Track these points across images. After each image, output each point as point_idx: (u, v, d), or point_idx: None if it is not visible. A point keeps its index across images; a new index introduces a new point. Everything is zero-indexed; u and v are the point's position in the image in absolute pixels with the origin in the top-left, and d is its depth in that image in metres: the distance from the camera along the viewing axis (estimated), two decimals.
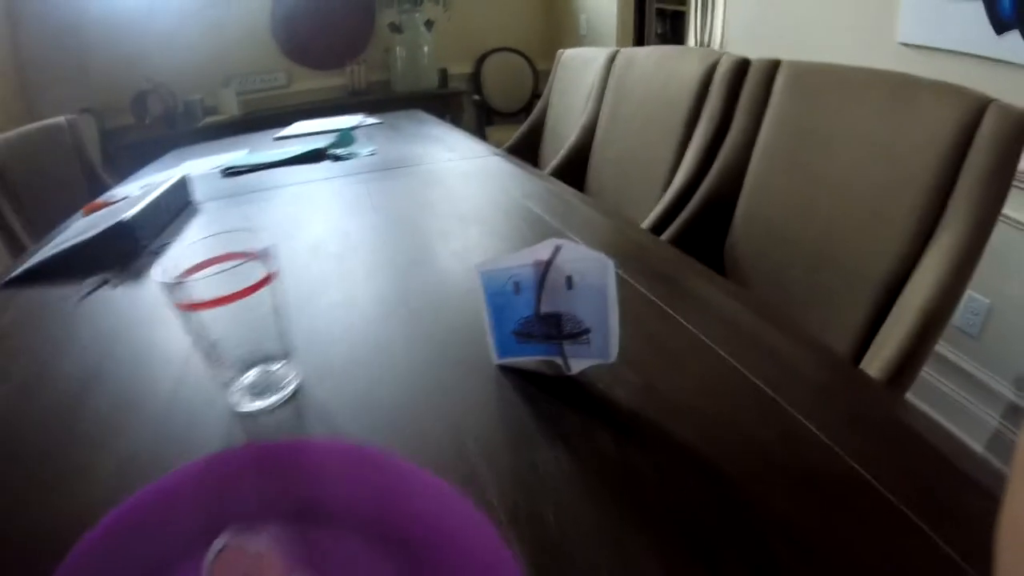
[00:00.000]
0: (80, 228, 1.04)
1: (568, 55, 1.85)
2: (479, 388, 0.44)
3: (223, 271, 0.40)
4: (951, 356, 1.38)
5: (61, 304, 0.74)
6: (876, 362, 0.70)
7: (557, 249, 0.38)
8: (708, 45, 2.31)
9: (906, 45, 1.38)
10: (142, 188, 1.27)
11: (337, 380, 0.47)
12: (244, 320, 0.40)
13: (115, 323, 0.67)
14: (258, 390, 0.44)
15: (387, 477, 0.35)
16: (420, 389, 0.45)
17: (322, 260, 0.74)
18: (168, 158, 1.80)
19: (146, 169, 1.66)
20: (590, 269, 0.38)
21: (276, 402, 0.44)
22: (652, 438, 0.38)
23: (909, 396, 1.42)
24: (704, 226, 1.06)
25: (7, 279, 0.86)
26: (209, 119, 2.93)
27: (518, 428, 0.39)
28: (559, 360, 0.40)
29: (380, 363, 0.49)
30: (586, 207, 0.87)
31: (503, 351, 0.43)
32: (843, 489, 0.33)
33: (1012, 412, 1.26)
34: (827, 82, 0.92)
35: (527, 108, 3.54)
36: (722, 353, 0.45)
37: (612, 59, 1.53)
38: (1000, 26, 1.15)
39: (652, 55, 1.41)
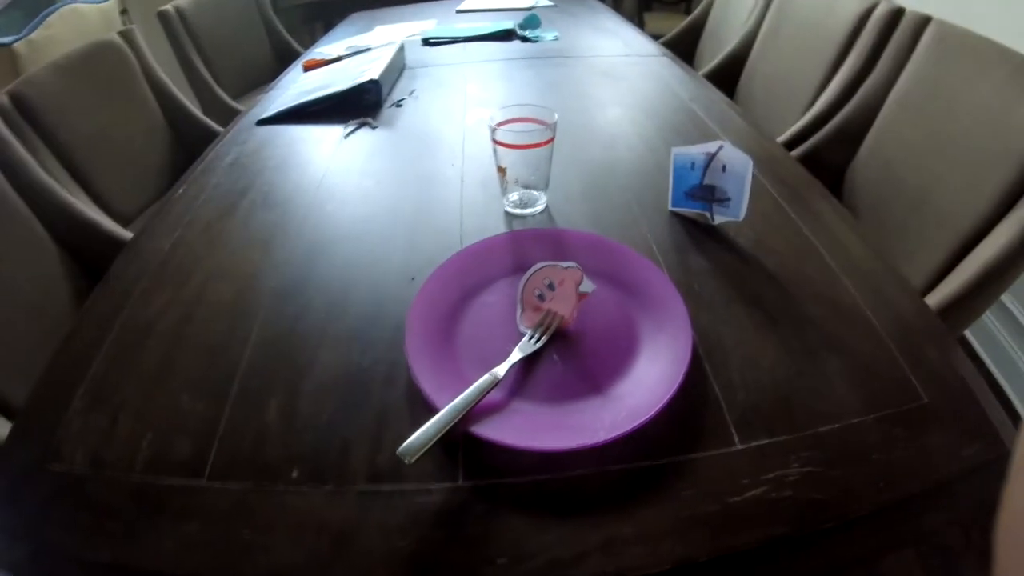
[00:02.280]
0: (316, 82, 1.22)
1: None
2: (659, 220, 0.73)
3: (524, 131, 0.68)
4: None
5: (329, 137, 1.00)
6: (936, 297, 0.84)
7: (720, 147, 0.65)
8: None
9: None
10: (348, 48, 1.47)
11: (572, 204, 0.77)
12: (529, 160, 0.70)
13: (387, 154, 0.94)
14: (523, 203, 0.75)
15: (614, 249, 0.64)
16: (623, 214, 0.75)
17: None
18: (354, 19, 1.98)
19: (338, 30, 1.85)
20: (738, 162, 0.64)
21: (535, 212, 0.75)
22: (753, 261, 0.65)
23: (977, 346, 1.52)
24: (832, 152, 1.20)
25: (262, 117, 1.09)
26: None
27: (681, 243, 0.68)
28: (708, 213, 0.68)
29: (595, 196, 0.79)
30: (738, 117, 1.06)
31: (676, 202, 0.72)
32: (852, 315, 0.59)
33: None
34: (966, 47, 0.99)
35: None
36: (808, 235, 0.70)
37: None
38: None
39: None
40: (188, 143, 1.45)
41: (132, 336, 0.60)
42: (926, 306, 0.62)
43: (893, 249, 1.06)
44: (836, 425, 0.48)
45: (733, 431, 0.48)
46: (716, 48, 1.84)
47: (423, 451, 0.43)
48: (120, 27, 1.93)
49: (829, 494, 0.43)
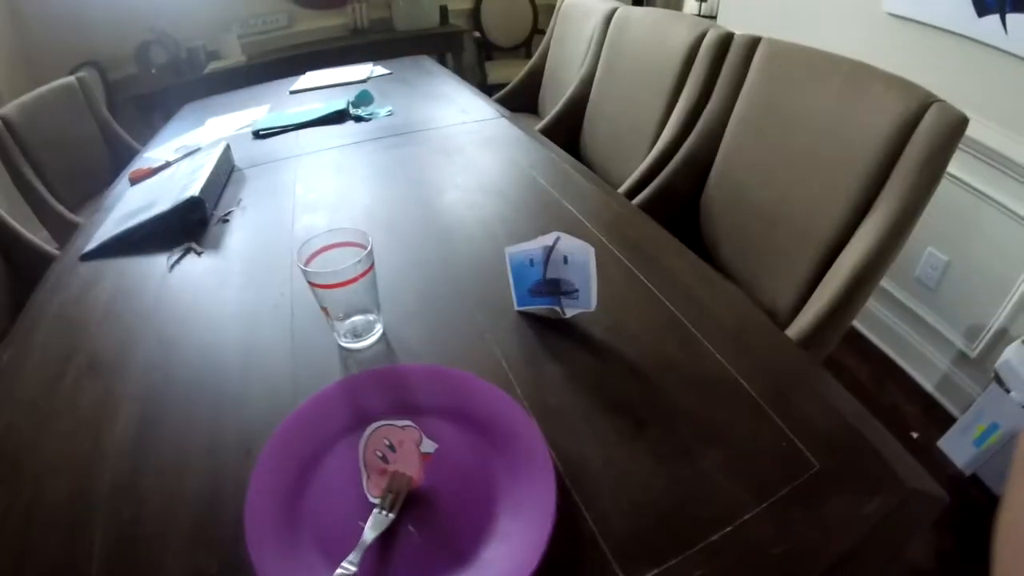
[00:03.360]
0: (140, 199, 1.11)
1: (569, 3, 1.91)
2: (506, 326, 0.65)
3: (335, 271, 0.58)
4: (910, 304, 1.51)
5: (154, 270, 0.89)
6: (811, 310, 0.83)
7: (557, 239, 0.58)
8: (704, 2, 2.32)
9: (892, 15, 1.41)
10: (177, 151, 1.36)
11: (409, 324, 0.68)
12: (352, 294, 0.61)
13: (214, 286, 0.84)
14: (356, 333, 0.65)
15: (458, 383, 0.56)
16: (467, 327, 0.66)
17: (377, 228, 0.90)
18: (186, 112, 1.83)
19: (170, 127, 1.72)
20: (579, 252, 0.57)
21: (371, 344, 0.65)
22: (611, 354, 0.60)
23: (867, 332, 1.61)
24: (683, 183, 1.20)
25: (85, 252, 0.97)
26: (214, 64, 2.96)
27: (532, 350, 0.61)
28: (558, 308, 0.61)
29: (434, 310, 0.71)
30: (579, 176, 1.03)
31: (521, 302, 0.64)
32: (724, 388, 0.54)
33: (960, 359, 1.40)
34: (797, 62, 1.01)
35: (527, 43, 3.55)
36: (666, 303, 0.66)
37: (610, 16, 1.61)
38: (982, 9, 1.18)
39: (647, 17, 1.50)
40: (25, 273, 1.23)
41: None
42: (794, 346, 0.60)
43: (756, 268, 1.07)
44: (728, 528, 0.44)
45: (616, 568, 0.42)
46: (557, 91, 1.86)
47: None
48: None
49: None
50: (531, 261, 0.59)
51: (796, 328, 0.83)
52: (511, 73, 2.21)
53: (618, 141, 1.52)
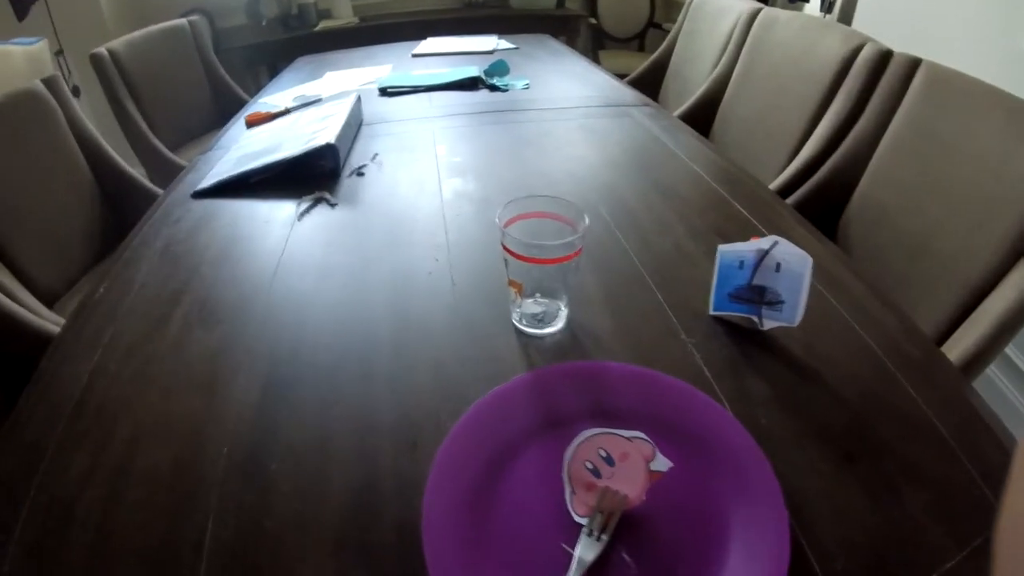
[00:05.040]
0: (261, 142, 1.08)
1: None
2: (701, 329, 0.62)
3: (546, 246, 0.54)
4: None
5: (277, 216, 0.84)
6: (952, 353, 0.79)
7: (775, 243, 0.56)
8: (831, 8, 2.25)
9: None
10: (296, 99, 1.35)
11: (595, 314, 0.64)
12: (552, 275, 0.57)
13: (352, 242, 0.79)
14: (538, 319, 0.61)
15: (673, 392, 0.52)
16: (660, 324, 0.63)
17: None
18: (300, 65, 1.83)
19: (285, 76, 1.70)
20: (795, 261, 0.55)
21: (554, 331, 0.61)
22: (812, 376, 0.57)
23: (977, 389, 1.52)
24: (824, 199, 1.16)
25: (199, 188, 0.92)
26: (325, 23, 2.97)
27: (733, 360, 0.58)
28: (755, 318, 0.59)
29: (619, 300, 0.67)
30: (745, 177, 0.98)
31: (718, 306, 0.62)
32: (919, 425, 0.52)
33: None
34: (957, 91, 0.98)
35: (641, 35, 3.49)
36: (855, 326, 0.63)
37: (755, 15, 1.56)
38: None
39: (793, 22, 1.45)
40: (118, 202, 1.29)
41: (49, 521, 0.45)
42: (972, 389, 0.57)
43: (895, 300, 1.02)
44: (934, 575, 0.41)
45: None
46: (681, 88, 1.82)
47: None
48: (51, 71, 1.77)
49: None
50: (741, 263, 0.58)
51: None
52: (623, 64, 2.17)
53: (752, 146, 1.47)
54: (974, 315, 0.86)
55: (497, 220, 0.56)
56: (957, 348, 0.82)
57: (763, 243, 0.56)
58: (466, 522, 0.42)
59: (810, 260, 0.54)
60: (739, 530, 0.42)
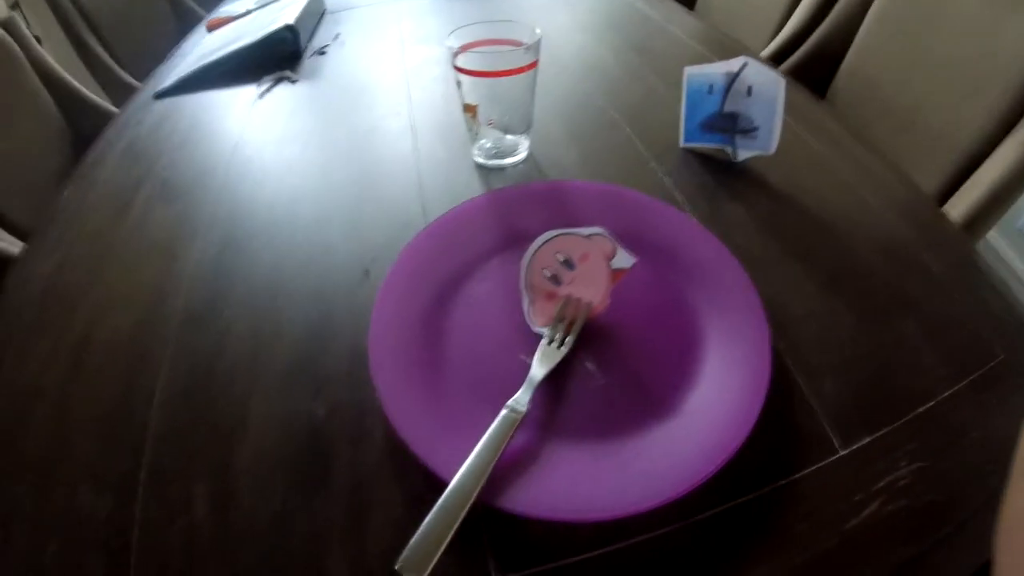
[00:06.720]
0: (221, 40, 1.03)
1: None
2: (673, 159, 0.60)
3: (499, 52, 0.51)
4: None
5: (238, 100, 0.81)
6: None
7: (744, 64, 0.51)
8: None
9: None
10: (258, 2, 1.23)
11: (560, 146, 0.63)
12: (506, 91, 0.53)
13: (316, 109, 0.78)
14: (498, 152, 0.58)
15: (639, 204, 0.49)
16: (629, 154, 0.61)
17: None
18: None
19: None
20: (767, 83, 0.50)
21: (515, 162, 0.59)
22: (792, 203, 0.54)
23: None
24: (810, 72, 1.11)
25: (160, 89, 0.89)
26: None
27: (707, 187, 0.56)
28: (729, 149, 0.55)
29: (585, 135, 0.65)
30: (733, 44, 0.94)
31: (689, 137, 0.58)
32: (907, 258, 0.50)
33: None
34: None
35: None
36: (837, 162, 0.60)
37: None
38: None
39: None
40: (88, 134, 1.21)
41: (14, 406, 0.43)
42: (964, 234, 0.56)
43: None
44: (931, 403, 0.40)
45: (830, 433, 0.38)
46: None
47: (434, 562, 0.29)
48: (5, 14, 1.65)
49: (944, 493, 0.35)
50: (710, 88, 0.53)
51: None
52: None
53: (735, 21, 1.38)
54: (966, 185, 0.83)
55: (448, 45, 0.52)
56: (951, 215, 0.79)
57: (732, 64, 0.51)
58: (418, 343, 0.40)
59: (783, 80, 0.50)
60: (715, 336, 0.40)
